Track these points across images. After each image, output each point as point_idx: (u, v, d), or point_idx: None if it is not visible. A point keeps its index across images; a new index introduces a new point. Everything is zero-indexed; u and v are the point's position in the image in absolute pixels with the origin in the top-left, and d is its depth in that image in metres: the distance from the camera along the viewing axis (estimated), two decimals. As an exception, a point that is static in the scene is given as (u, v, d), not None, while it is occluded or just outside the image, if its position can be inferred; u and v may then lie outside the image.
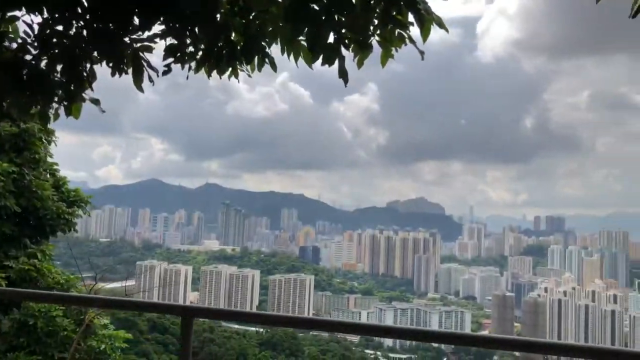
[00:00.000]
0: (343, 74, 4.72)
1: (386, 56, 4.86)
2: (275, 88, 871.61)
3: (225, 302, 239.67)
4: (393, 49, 4.86)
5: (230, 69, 5.17)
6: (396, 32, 4.73)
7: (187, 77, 5.19)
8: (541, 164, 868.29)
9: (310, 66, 4.89)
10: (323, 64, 4.70)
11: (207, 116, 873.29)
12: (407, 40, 4.78)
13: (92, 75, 5.13)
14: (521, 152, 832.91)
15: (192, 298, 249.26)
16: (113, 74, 5.06)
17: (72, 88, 5.04)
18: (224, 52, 5.02)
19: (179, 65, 5.20)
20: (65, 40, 4.89)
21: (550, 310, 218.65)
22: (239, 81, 5.30)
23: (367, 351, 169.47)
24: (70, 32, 4.85)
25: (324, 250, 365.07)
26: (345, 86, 4.83)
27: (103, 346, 13.13)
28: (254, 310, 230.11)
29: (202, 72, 5.37)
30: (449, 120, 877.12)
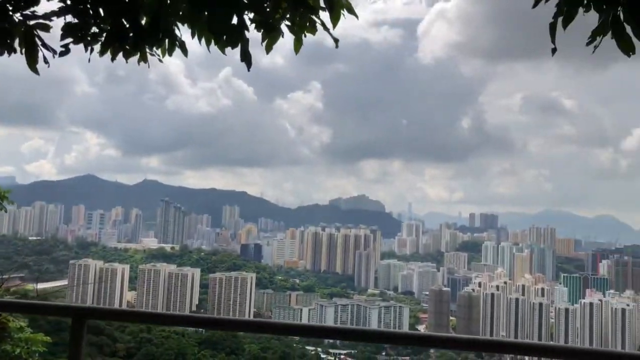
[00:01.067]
0: (246, 57, 4.56)
1: (298, 43, 4.70)
2: (217, 83, 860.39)
3: (163, 302, 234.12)
4: (304, 35, 4.73)
5: (138, 53, 4.88)
6: (307, 18, 4.61)
7: (89, 60, 4.84)
8: (476, 164, 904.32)
9: (222, 51, 4.67)
10: (226, 46, 4.56)
11: (146, 111, 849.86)
12: (319, 27, 4.68)
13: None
14: (458, 151, 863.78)
15: (129, 298, 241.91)
16: (1, 53, 4.64)
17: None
18: (130, 34, 4.72)
19: (104, 52, 4.82)
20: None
21: (483, 304, 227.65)
22: (148, 66, 5.02)
23: (308, 348, 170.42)
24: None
25: (266, 248, 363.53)
26: (249, 70, 4.65)
27: (18, 350, 12.36)
28: (193, 312, 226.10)
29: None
30: (391, 120, 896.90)
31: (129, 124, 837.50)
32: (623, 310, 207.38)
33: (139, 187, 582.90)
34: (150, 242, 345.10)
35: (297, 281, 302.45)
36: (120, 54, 4.88)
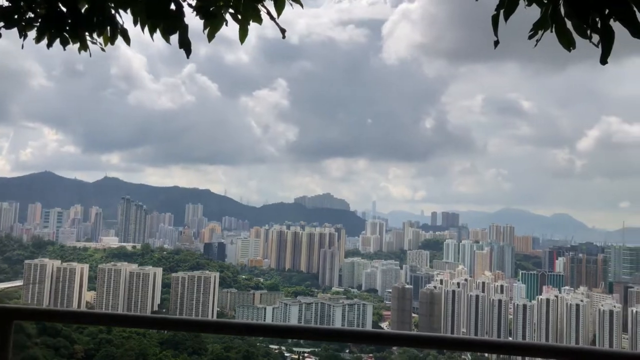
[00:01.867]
0: (184, 44, 4.43)
1: (243, 32, 4.55)
2: (181, 79, 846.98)
3: (124, 301, 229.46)
4: (249, 24, 4.59)
5: (78, 41, 4.70)
6: (251, 6, 4.48)
7: (22, 47, 4.67)
8: (438, 163, 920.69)
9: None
10: (164, 33, 4.45)
11: (107, 106, 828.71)
12: (265, 16, 4.52)
13: None
14: (421, 151, 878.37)
15: (88, 298, 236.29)
16: None
17: None
18: (68, 19, 4.50)
19: (41, 39, 4.60)
20: None
21: (445, 300, 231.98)
22: (90, 55, 4.86)
23: (271, 346, 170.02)
24: None
25: (230, 247, 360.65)
26: (188, 57, 4.53)
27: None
28: (152, 313, 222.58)
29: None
30: (356, 119, 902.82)
31: (88, 120, 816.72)
32: (577, 305, 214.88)
33: (99, 185, 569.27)
34: (111, 241, 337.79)
35: (261, 280, 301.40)
36: (57, 41, 4.65)
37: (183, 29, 4.37)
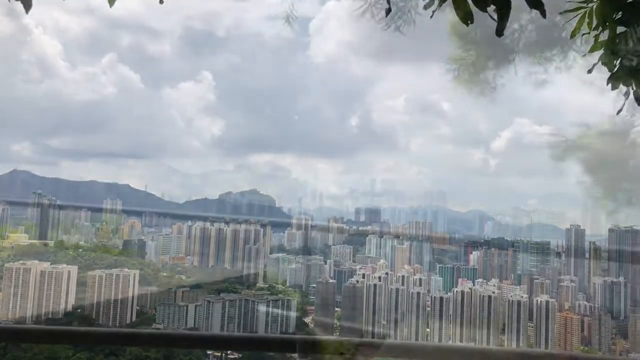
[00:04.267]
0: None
1: None
2: (100, 69, 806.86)
3: (34, 303, 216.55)
4: None
5: None
6: None
7: None
8: (363, 160, 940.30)
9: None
10: None
11: (17, 93, 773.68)
12: None
13: None
14: (346, 148, 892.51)
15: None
16: None
17: None
18: None
19: None
20: None
21: (366, 294, 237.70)
22: None
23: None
24: None
25: (150, 244, 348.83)
26: (27, 13, 4.18)
27: None
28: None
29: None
30: (283, 115, 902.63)
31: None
32: (489, 297, 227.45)
33: (7, 178, 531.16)
34: (20, 238, 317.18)
35: (183, 277, 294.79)
36: None
37: None
